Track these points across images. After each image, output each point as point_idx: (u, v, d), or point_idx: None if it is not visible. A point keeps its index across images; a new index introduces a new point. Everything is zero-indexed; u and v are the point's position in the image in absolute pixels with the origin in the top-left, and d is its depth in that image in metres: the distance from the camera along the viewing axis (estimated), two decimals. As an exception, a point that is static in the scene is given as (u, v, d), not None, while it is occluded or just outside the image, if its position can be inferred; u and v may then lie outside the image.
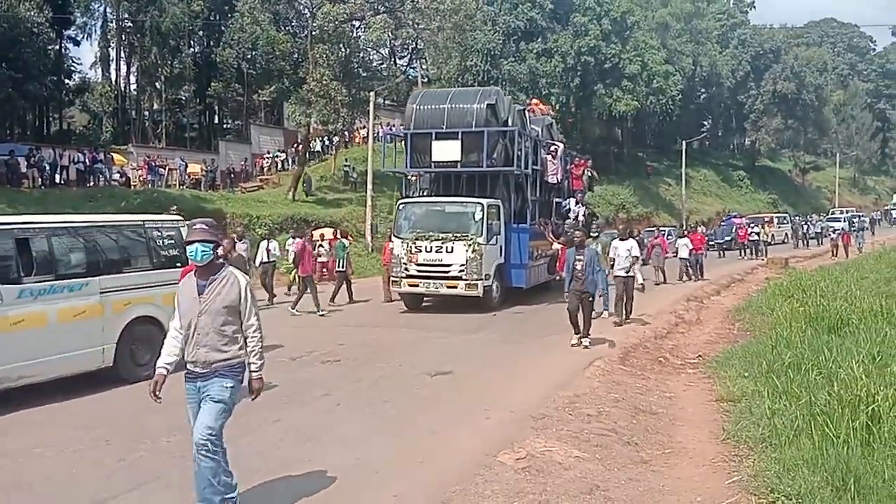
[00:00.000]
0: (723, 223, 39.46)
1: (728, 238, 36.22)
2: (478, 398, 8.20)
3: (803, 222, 46.96)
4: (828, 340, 9.72)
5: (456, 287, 15.09)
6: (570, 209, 18.31)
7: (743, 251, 33.78)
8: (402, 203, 16.55)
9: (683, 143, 52.37)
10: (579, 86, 46.82)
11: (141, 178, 29.71)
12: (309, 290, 15.32)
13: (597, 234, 15.62)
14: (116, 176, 28.72)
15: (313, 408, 7.97)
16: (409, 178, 18.38)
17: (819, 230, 44.24)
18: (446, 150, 16.11)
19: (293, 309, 15.24)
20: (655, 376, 9.77)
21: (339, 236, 19.22)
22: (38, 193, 23.74)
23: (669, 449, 6.65)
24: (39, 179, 25.41)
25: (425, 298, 16.47)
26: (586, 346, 10.90)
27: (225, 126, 50.08)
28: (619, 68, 46.52)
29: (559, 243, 15.25)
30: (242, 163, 37.46)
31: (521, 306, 15.96)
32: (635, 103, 47.67)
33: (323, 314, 15.15)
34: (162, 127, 43.04)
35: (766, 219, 42.76)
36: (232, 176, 34.53)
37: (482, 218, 15.09)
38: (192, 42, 44.11)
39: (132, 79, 43.44)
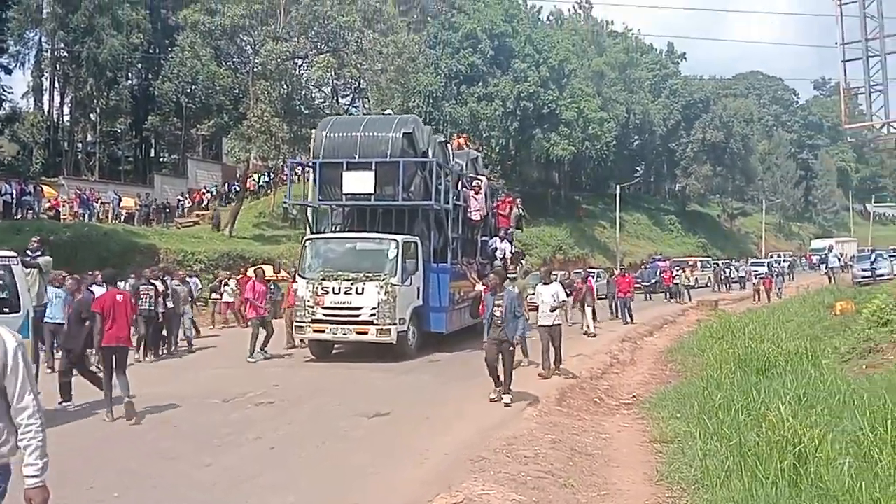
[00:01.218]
0: (648, 266, 39.76)
1: (654, 281, 36.12)
2: (414, 440, 8.12)
3: (726, 266, 47.33)
4: (756, 382, 10.01)
5: (367, 333, 13.63)
6: (495, 248, 17.33)
7: (668, 294, 33.64)
8: (307, 239, 15.16)
9: (617, 187, 53.83)
10: (518, 130, 47.84)
11: (72, 212, 28.79)
12: (254, 331, 14.25)
13: (514, 276, 14.18)
14: (46, 208, 27.75)
15: (247, 451, 7.76)
16: (319, 212, 16.97)
17: (742, 275, 44.26)
18: (359, 182, 14.79)
19: (263, 351, 14.32)
20: (591, 417, 9.88)
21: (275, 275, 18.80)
22: (-40, 225, 22.80)
23: (605, 491, 6.70)
24: (-38, 210, 24.40)
25: (336, 346, 14.94)
26: (507, 404, 9.76)
27: (161, 160, 49.14)
28: (557, 114, 47.74)
29: (482, 285, 13.63)
30: (179, 197, 36.76)
31: (441, 353, 14.71)
32: (572, 148, 48.90)
33: (253, 360, 14.00)
34: (95, 159, 41.93)
35: (690, 262, 43.51)
36: (167, 210, 33.80)
37: (397, 256, 13.88)
38: (129, 74, 43.37)
39: (66, 109, 42.35)
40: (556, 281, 14.38)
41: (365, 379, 12.24)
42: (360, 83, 37.32)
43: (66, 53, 38.78)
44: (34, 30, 39.29)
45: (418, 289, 14.60)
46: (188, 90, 38.15)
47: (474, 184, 17.30)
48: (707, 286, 41.80)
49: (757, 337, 14.78)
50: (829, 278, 33.63)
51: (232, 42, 34.29)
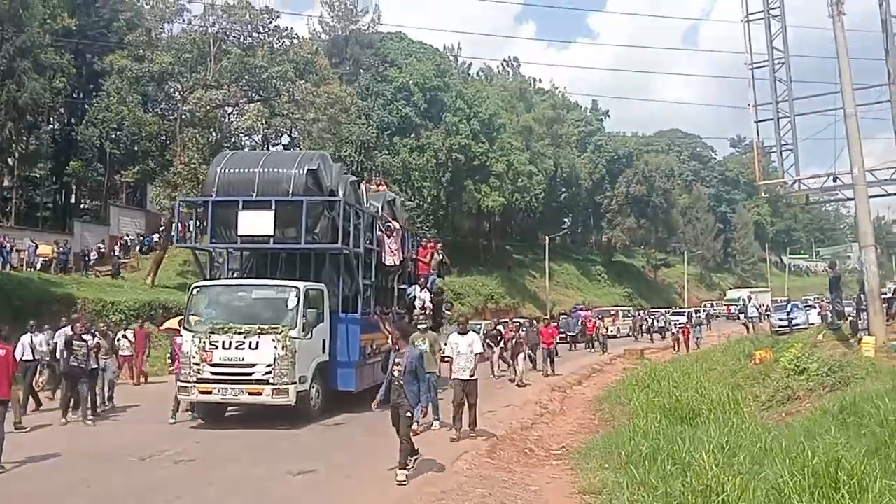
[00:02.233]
0: (571, 315, 40.01)
1: (576, 331, 35.44)
2: (342, 498, 7.91)
3: (647, 316, 47.62)
4: (681, 430, 10.18)
5: (261, 394, 12.01)
6: (414, 296, 15.82)
7: (591, 344, 33.36)
8: (195, 287, 13.53)
9: (546, 238, 54.97)
10: (450, 181, 48.59)
11: (-18, 259, 27.41)
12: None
13: (424, 326, 12.82)
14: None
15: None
16: (213, 256, 15.15)
17: (662, 324, 44.18)
18: (256, 223, 13.30)
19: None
20: (521, 469, 9.83)
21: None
22: None
23: (535, 545, 6.63)
24: None
25: (230, 408, 13.24)
26: (401, 482, 8.34)
27: (82, 206, 47.54)
28: (487, 166, 48.75)
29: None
30: (99, 245, 35.52)
31: (347, 413, 13.16)
32: (502, 199, 49.91)
33: (174, 422, 12.80)
34: (11, 205, 40.19)
35: (612, 312, 44.27)
36: (86, 259, 32.57)
37: (297, 305, 12.33)
38: (51, 119, 42.13)
39: (-20, 153, 40.64)
40: (474, 330, 13.15)
41: (291, 435, 11.80)
42: (291, 132, 37.22)
43: (-17, 95, 37.43)
44: (-52, 71, 37.91)
45: (324, 342, 13.23)
46: (113, 136, 37.36)
47: (388, 226, 15.92)
48: (629, 335, 42.25)
49: (682, 385, 15.10)
50: (747, 328, 34.61)
51: (160, 88, 33.84)
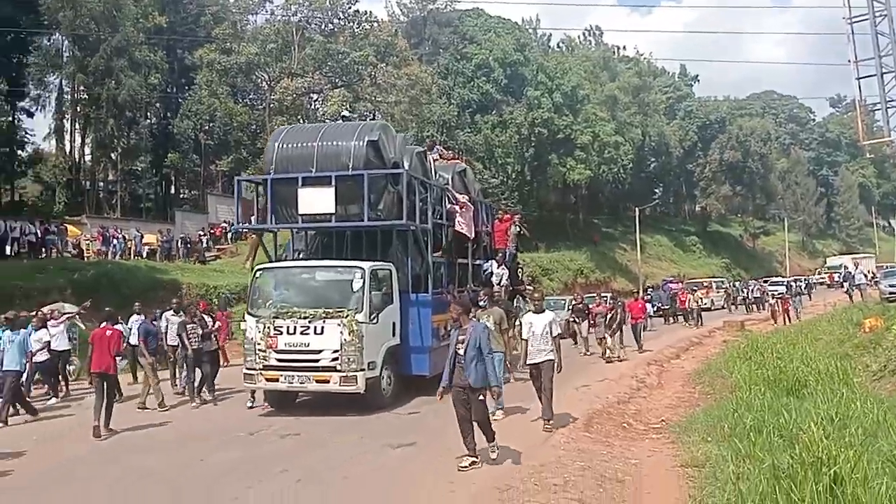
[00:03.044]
0: (662, 288, 38.50)
1: (667, 306, 33.78)
2: (440, 470, 8.01)
3: (741, 287, 45.49)
4: (787, 403, 9.80)
5: (328, 381, 11.38)
6: (491, 272, 15.04)
7: (687, 317, 31.88)
8: (257, 269, 13.00)
9: (636, 209, 53.70)
10: (534, 156, 48.16)
11: (95, 250, 29.11)
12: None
13: (484, 303, 11.96)
14: (70, 247, 28.09)
15: (273, 484, 7.70)
16: (276, 237, 14.67)
17: (758, 295, 41.66)
18: (316, 200, 12.53)
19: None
20: (620, 443, 9.70)
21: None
22: (-14, 265, 23.06)
23: (637, 518, 6.54)
24: (-12, 251, 24.74)
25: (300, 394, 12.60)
26: (464, 468, 7.80)
27: (181, 196, 49.79)
28: (572, 139, 48.01)
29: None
30: (199, 232, 37.10)
31: (424, 396, 12.04)
32: (588, 172, 49.10)
33: (251, 406, 12.55)
34: (117, 197, 42.48)
35: (704, 283, 42.34)
36: (188, 245, 34.08)
37: (363, 287, 11.55)
38: (149, 114, 44.17)
39: (87, 150, 43.08)
40: (552, 309, 12.33)
41: (388, 412, 11.99)
42: (374, 115, 37.77)
43: (86, 95, 39.56)
44: (54, 74, 40.25)
45: (394, 324, 12.43)
46: (206, 127, 38.85)
47: (460, 199, 14.83)
48: (723, 307, 40.60)
49: (786, 356, 14.52)
50: (850, 296, 32.60)
51: (248, 79, 34.94)
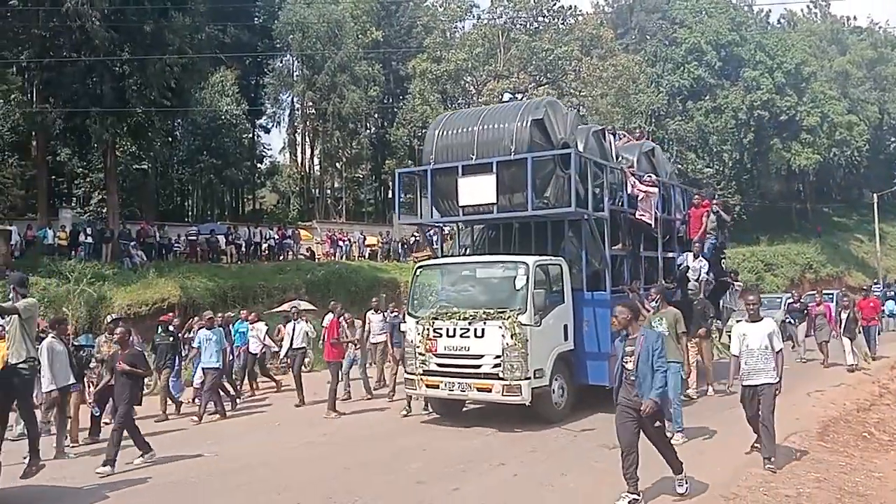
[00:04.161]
0: (893, 285, 33.35)
1: None
2: (662, 473, 7.89)
3: None
4: None
5: (490, 390, 10.26)
6: (687, 267, 12.77)
7: None
8: (417, 267, 12.23)
9: (875, 195, 48.35)
10: (753, 141, 45.26)
11: (324, 252, 31.87)
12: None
13: (656, 305, 9.83)
14: (303, 250, 31.06)
15: (490, 478, 8.00)
16: (444, 231, 13.41)
17: None
18: (477, 190, 11.27)
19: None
20: (860, 454, 8.93)
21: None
22: (236, 267, 26.13)
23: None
24: (236, 255, 27.99)
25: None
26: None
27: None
28: (797, 121, 44.59)
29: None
30: (414, 234, 39.12)
31: (602, 413, 10.08)
32: (816, 156, 45.33)
33: (406, 414, 11.95)
34: (342, 203, 46.11)
35: None
36: (405, 246, 36.10)
37: (526, 285, 10.31)
38: (368, 124, 47.43)
39: (315, 160, 47.24)
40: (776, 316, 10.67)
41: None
42: (579, 109, 37.59)
43: (314, 110, 43.38)
44: (286, 92, 44.68)
45: (565, 327, 11.05)
46: (420, 134, 40.83)
47: (644, 179, 12.79)
48: None
49: None
50: None
51: (457, 84, 36.23)
